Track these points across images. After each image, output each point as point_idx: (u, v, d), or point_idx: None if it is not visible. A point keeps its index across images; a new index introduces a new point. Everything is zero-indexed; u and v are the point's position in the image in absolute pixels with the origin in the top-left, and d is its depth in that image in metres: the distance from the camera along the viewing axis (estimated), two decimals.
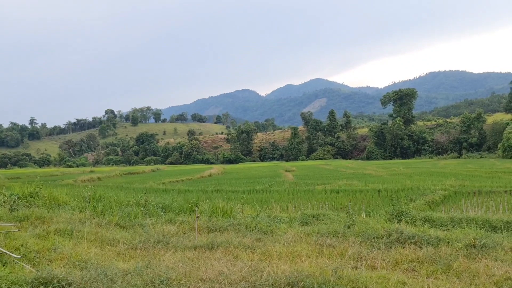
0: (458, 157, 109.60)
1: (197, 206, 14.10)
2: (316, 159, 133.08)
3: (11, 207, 14.66)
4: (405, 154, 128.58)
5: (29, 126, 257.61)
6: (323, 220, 12.94)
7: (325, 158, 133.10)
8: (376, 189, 25.12)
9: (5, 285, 5.54)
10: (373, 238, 9.60)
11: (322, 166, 77.29)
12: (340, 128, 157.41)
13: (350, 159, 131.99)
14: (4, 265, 7.00)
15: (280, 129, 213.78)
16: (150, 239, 10.12)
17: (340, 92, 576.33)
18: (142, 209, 14.96)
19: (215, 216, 13.71)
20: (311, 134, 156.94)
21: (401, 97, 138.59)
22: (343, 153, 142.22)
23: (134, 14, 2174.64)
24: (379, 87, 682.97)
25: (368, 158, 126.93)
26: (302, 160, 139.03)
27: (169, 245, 9.63)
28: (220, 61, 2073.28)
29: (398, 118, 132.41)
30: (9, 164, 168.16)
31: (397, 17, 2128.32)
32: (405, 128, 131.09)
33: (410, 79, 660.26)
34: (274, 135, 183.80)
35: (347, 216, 11.99)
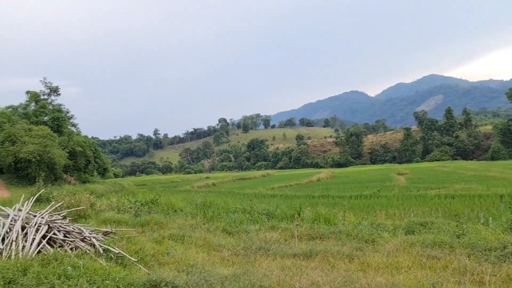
0: None
1: (299, 213, 14.32)
2: (432, 161, 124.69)
3: (135, 212, 16.41)
4: None
5: (153, 137, 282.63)
6: (430, 228, 12.25)
7: (443, 160, 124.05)
8: (498, 194, 22.90)
9: (123, 286, 6.35)
10: (484, 250, 8.89)
11: (438, 168, 72.27)
12: (459, 126, 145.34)
13: (471, 159, 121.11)
14: (124, 267, 7.98)
15: (392, 130, 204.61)
16: (252, 246, 10.59)
17: (458, 88, 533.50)
18: (247, 215, 15.66)
19: (317, 223, 13.80)
20: (426, 134, 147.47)
21: None
22: (463, 154, 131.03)
23: (241, 28, 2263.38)
24: (505, 79, 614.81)
25: (493, 158, 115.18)
26: (417, 162, 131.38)
27: (269, 252, 9.98)
28: (327, 64, 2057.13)
29: None
30: (137, 172, 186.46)
31: None
32: None
33: None
34: (385, 137, 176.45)
35: (457, 225, 11.23)
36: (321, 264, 8.67)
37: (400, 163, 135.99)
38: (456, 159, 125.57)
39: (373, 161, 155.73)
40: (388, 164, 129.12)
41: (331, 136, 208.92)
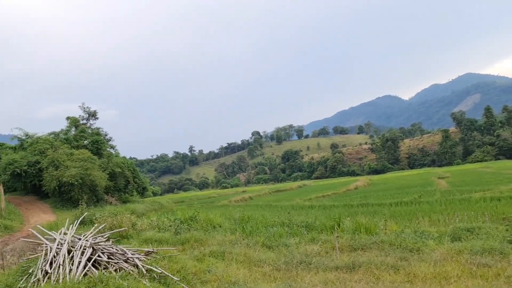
0: None
1: (338, 224, 14.08)
2: (474, 162, 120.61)
3: (175, 230, 16.61)
4: None
5: (189, 154, 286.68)
6: (478, 234, 11.76)
7: (485, 160, 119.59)
8: None
9: None
10: None
11: (481, 170, 69.64)
12: (499, 125, 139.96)
13: None
14: (167, 286, 8.06)
15: (429, 133, 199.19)
16: (293, 260, 10.48)
17: (496, 85, 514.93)
18: (286, 228, 15.53)
19: (358, 234, 13.50)
20: (466, 135, 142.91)
21: None
22: (507, 153, 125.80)
23: (270, 43, 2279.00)
24: None
25: None
26: (458, 164, 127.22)
27: (311, 266, 9.84)
28: (357, 70, 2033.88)
29: None
30: (175, 189, 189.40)
31: None
32: None
33: None
34: (422, 140, 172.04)
35: (506, 230, 10.74)
36: (365, 276, 8.46)
37: (440, 166, 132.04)
38: (499, 159, 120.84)
39: (412, 166, 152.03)
40: (428, 168, 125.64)
41: (366, 143, 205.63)
